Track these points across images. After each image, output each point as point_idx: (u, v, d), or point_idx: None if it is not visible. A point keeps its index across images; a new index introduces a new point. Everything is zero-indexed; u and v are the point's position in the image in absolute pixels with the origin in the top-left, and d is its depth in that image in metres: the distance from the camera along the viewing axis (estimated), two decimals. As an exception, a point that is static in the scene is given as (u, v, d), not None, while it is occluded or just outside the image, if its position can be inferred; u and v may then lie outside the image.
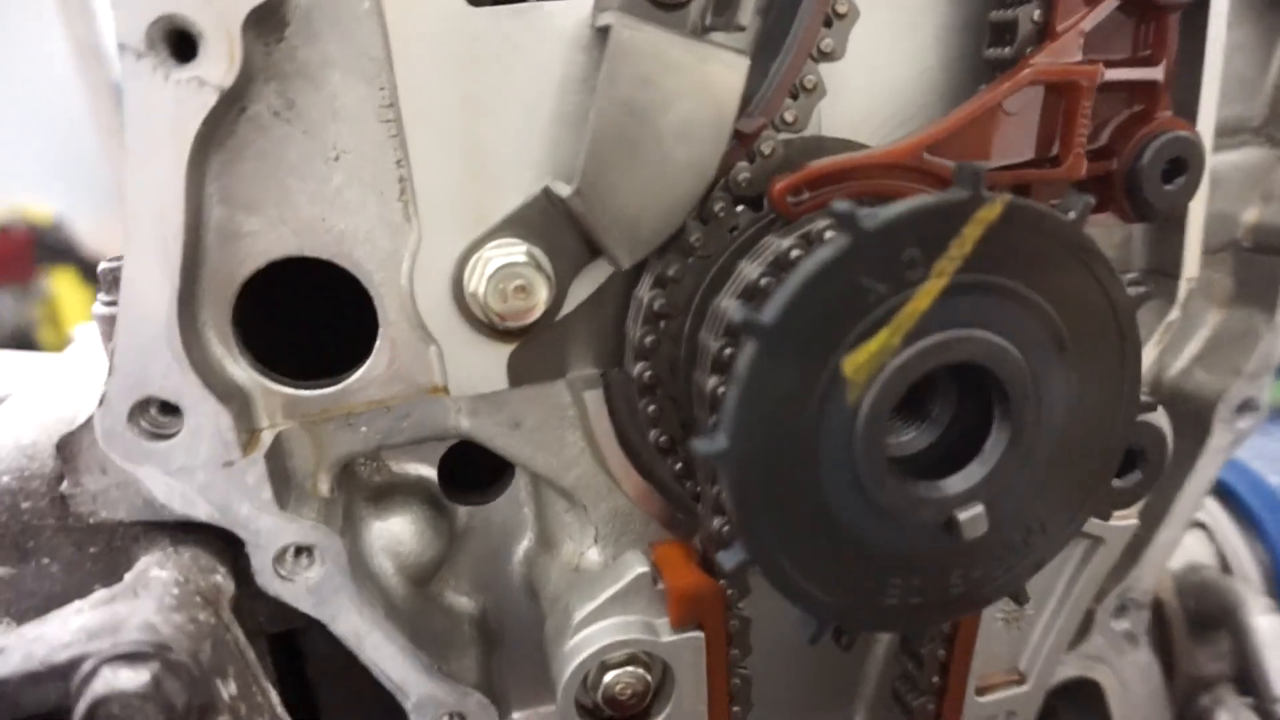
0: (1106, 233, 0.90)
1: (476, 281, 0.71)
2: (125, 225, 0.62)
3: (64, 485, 0.67)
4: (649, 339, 0.73)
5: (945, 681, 0.83)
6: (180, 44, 0.60)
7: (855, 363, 0.58)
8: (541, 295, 0.71)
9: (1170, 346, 0.97)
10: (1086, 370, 0.64)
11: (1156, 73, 0.77)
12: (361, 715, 0.88)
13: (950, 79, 0.80)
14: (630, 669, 0.75)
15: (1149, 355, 0.90)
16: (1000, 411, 0.63)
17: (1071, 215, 0.60)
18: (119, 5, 0.58)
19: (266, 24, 0.64)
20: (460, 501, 0.88)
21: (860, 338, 0.58)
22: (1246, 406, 0.94)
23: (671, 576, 0.75)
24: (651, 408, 0.75)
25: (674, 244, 0.72)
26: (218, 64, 0.60)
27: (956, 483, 0.63)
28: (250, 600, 0.75)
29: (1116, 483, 0.82)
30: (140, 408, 0.66)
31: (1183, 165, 0.79)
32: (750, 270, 0.69)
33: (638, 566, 0.77)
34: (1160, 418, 0.82)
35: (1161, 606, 1.10)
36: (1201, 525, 1.19)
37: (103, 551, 0.71)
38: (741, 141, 0.70)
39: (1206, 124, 0.83)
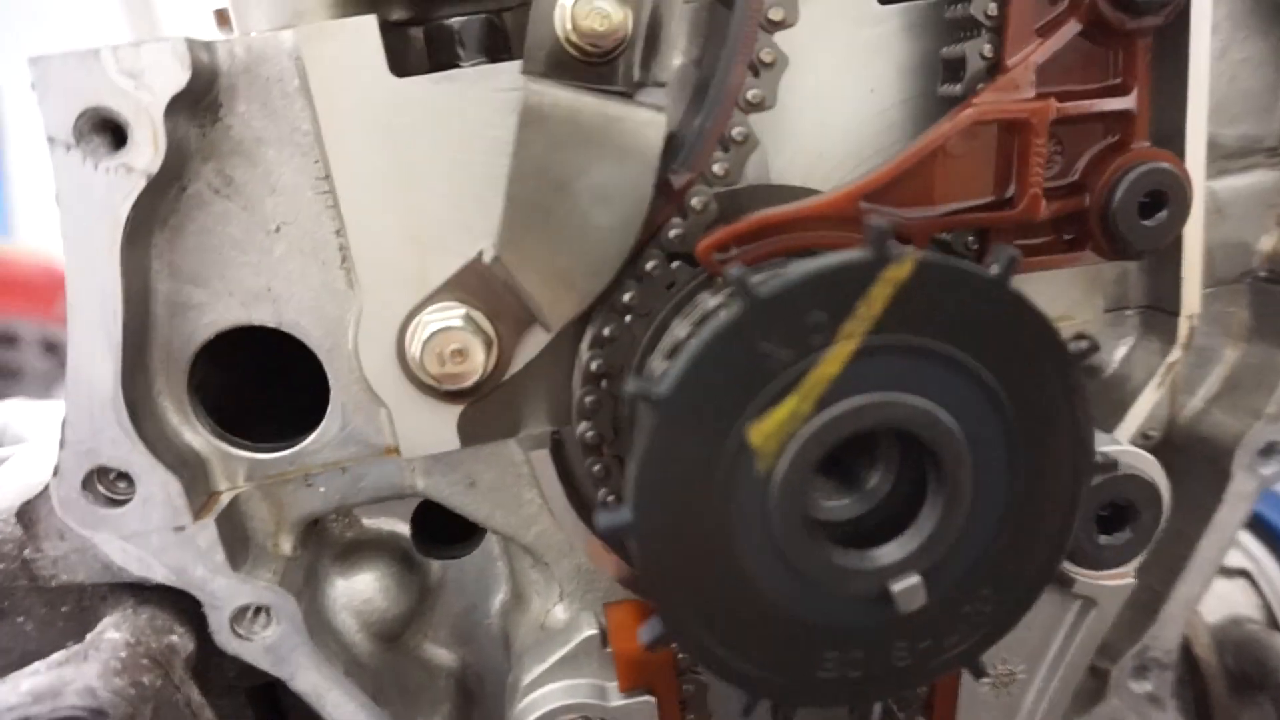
0: (1099, 270, 0.84)
1: (415, 346, 0.71)
2: (68, 306, 0.65)
3: (26, 551, 0.70)
4: (589, 399, 0.73)
5: (924, 749, 0.79)
6: (110, 133, 0.63)
7: (763, 431, 0.56)
8: (479, 358, 0.71)
9: (1183, 385, 0.90)
10: (1030, 430, 0.60)
11: (1128, 102, 0.72)
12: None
13: (910, 118, 0.76)
14: (581, 734, 0.73)
15: (1150, 398, 0.83)
16: (934, 477, 0.60)
17: (995, 270, 0.56)
18: (45, 102, 0.61)
19: (197, 107, 0.67)
20: (433, 556, 0.89)
21: (766, 405, 0.56)
22: (1271, 450, 0.86)
23: (619, 640, 0.73)
24: (597, 467, 0.74)
25: (608, 303, 0.71)
26: (143, 151, 0.63)
27: (890, 552, 0.60)
28: (219, 657, 0.78)
29: (1104, 540, 0.76)
30: (94, 475, 0.69)
31: (1163, 198, 0.73)
32: (680, 329, 0.68)
33: (586, 629, 0.75)
34: (1153, 470, 0.76)
35: (1198, 664, 1.02)
36: (1245, 573, 1.09)
37: (73, 610, 0.75)
38: (670, 198, 0.68)
39: (1196, 151, 0.77)
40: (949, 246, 0.74)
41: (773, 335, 0.55)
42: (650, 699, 0.73)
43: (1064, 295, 0.84)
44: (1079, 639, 0.80)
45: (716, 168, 0.69)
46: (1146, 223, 0.73)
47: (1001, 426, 0.59)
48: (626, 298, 0.70)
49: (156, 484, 0.70)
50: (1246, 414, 0.87)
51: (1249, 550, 1.10)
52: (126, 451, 0.68)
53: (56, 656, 0.68)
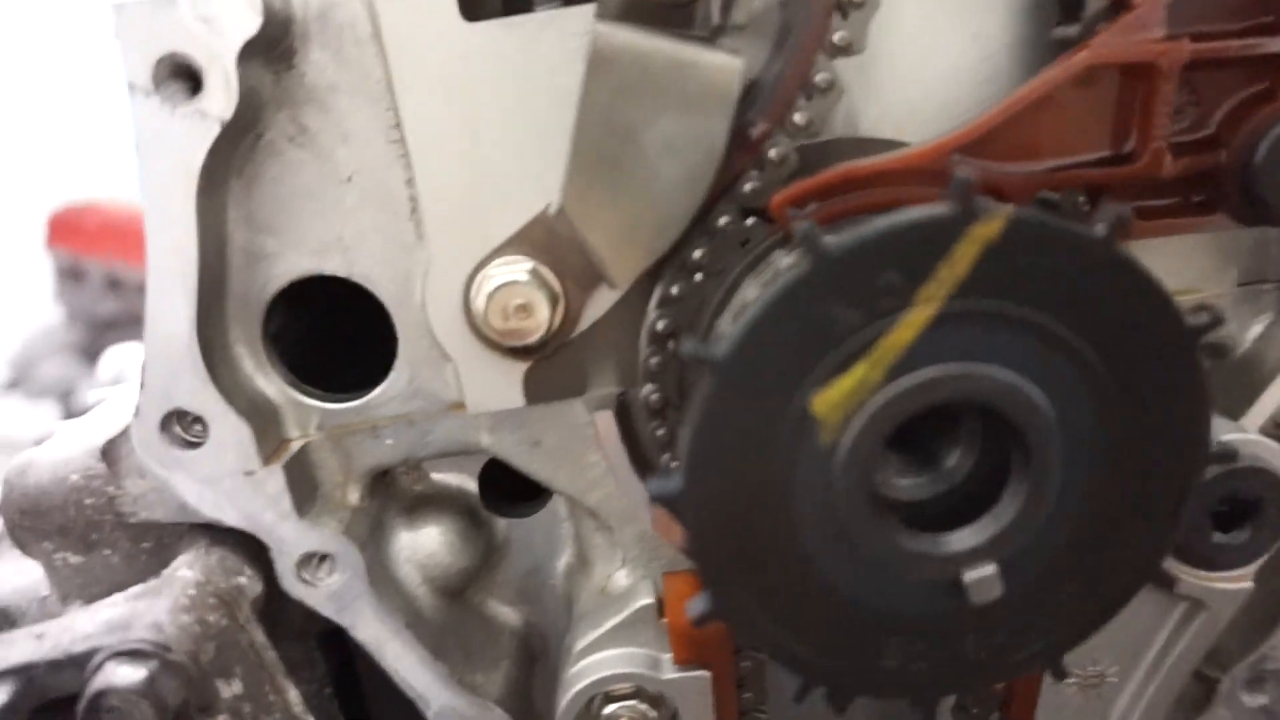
0: (1234, 237, 0.75)
1: (479, 300, 0.70)
2: (146, 252, 0.67)
3: (110, 487, 0.73)
4: (654, 360, 0.70)
5: (1002, 749, 0.73)
6: (188, 79, 0.64)
7: (828, 400, 0.52)
8: (543, 314, 0.69)
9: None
10: (1136, 413, 0.54)
11: (1279, 44, 0.63)
12: (407, 711, 0.91)
13: (1018, 65, 0.69)
14: (633, 703, 0.72)
15: (1286, 385, 0.74)
16: (1019, 458, 0.54)
17: (1100, 229, 0.50)
18: (126, 49, 0.62)
19: (271, 54, 0.67)
20: (499, 513, 0.88)
21: (832, 373, 0.52)
22: None
23: (675, 612, 0.71)
24: (661, 431, 0.72)
25: (677, 261, 0.68)
26: (217, 97, 0.63)
27: (965, 538, 0.55)
28: (289, 602, 0.79)
29: (1220, 538, 0.69)
30: (170, 418, 0.71)
31: (1316, 156, 0.64)
32: (751, 289, 0.64)
33: (644, 598, 0.73)
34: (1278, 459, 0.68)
35: (1326, 681, 0.92)
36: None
37: (154, 547, 0.77)
38: (746, 149, 0.64)
39: (1361, 102, 0.67)
40: (1057, 207, 0.67)
41: (843, 296, 0.50)
42: (705, 674, 0.71)
43: (1192, 265, 0.76)
44: (1183, 644, 0.73)
45: (798, 117, 0.64)
46: (1294, 183, 0.65)
47: (1102, 407, 0.53)
48: (697, 255, 0.67)
49: (229, 429, 0.71)
50: (1405, 407, 0.76)
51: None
52: (201, 396, 0.70)
53: (133, 590, 0.71)
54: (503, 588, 0.91)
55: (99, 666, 0.62)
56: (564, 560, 0.89)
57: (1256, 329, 0.77)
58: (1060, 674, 0.59)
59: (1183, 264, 0.76)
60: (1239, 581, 0.71)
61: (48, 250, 4.43)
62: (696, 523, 0.55)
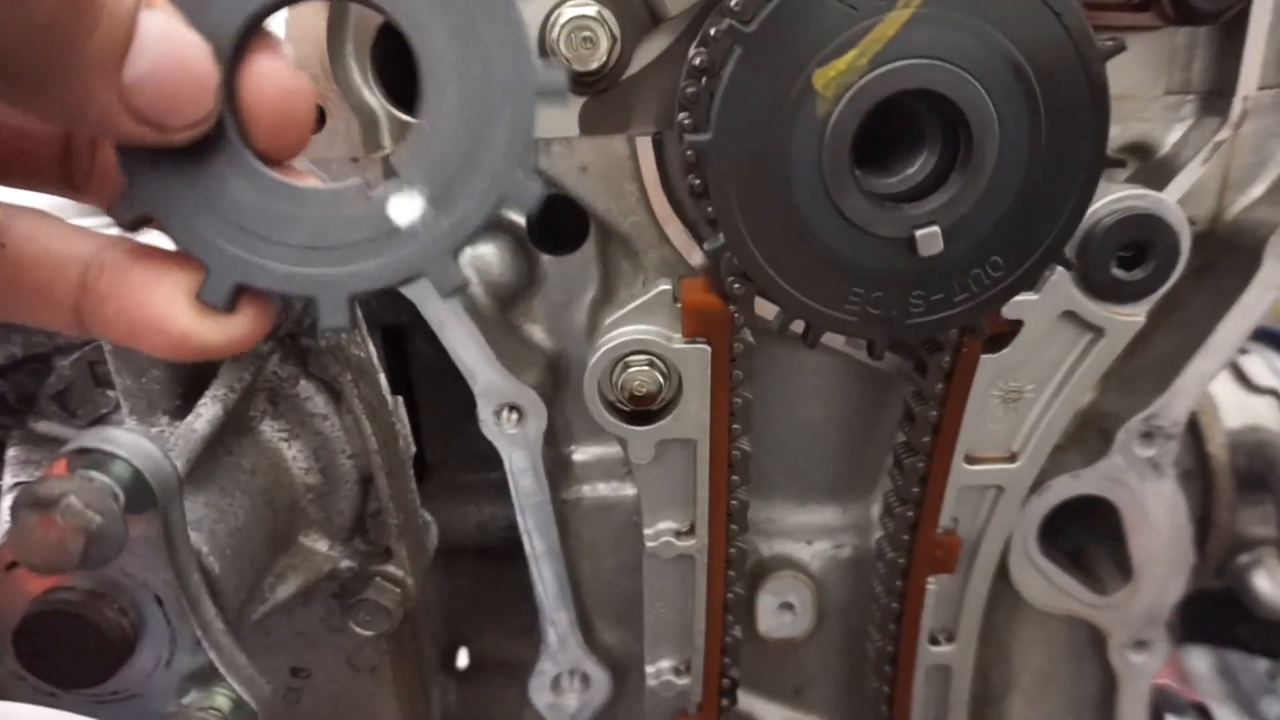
0: (1167, 51, 0.92)
1: (555, 31, 0.87)
2: None
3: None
4: (690, 90, 0.86)
5: (935, 442, 0.92)
6: None
7: (825, 77, 0.69)
8: (603, 48, 0.86)
9: (1238, 181, 0.97)
10: (1052, 119, 0.71)
11: None
12: (449, 411, 1.10)
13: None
14: (646, 369, 0.90)
15: (1194, 172, 0.91)
16: (964, 145, 0.72)
17: (1040, -37, 0.67)
18: None
19: None
20: (541, 249, 1.06)
21: (831, 55, 0.69)
22: (1308, 244, 0.93)
23: (687, 293, 0.88)
24: (689, 152, 0.89)
25: (718, 8, 0.84)
26: None
27: (918, 206, 0.73)
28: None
29: (1119, 273, 0.86)
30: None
31: (1232, -42, 0.81)
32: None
33: (663, 284, 0.91)
34: (1175, 216, 0.85)
35: (1209, 460, 1.11)
36: (1275, 392, 1.16)
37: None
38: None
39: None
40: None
41: (845, -7, 0.67)
42: (706, 347, 0.89)
43: (1127, 73, 0.92)
44: (1084, 367, 0.91)
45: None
46: (1212, -18, 0.81)
47: (1029, 109, 0.71)
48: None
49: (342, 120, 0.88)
50: (1291, 208, 0.94)
51: (1282, 373, 1.17)
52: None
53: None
54: (537, 314, 1.09)
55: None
56: (590, 294, 1.07)
57: (1177, 132, 0.94)
58: (978, 332, 0.77)
59: (1121, 71, 0.92)
60: (1132, 315, 0.89)
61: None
62: (718, 171, 0.72)
